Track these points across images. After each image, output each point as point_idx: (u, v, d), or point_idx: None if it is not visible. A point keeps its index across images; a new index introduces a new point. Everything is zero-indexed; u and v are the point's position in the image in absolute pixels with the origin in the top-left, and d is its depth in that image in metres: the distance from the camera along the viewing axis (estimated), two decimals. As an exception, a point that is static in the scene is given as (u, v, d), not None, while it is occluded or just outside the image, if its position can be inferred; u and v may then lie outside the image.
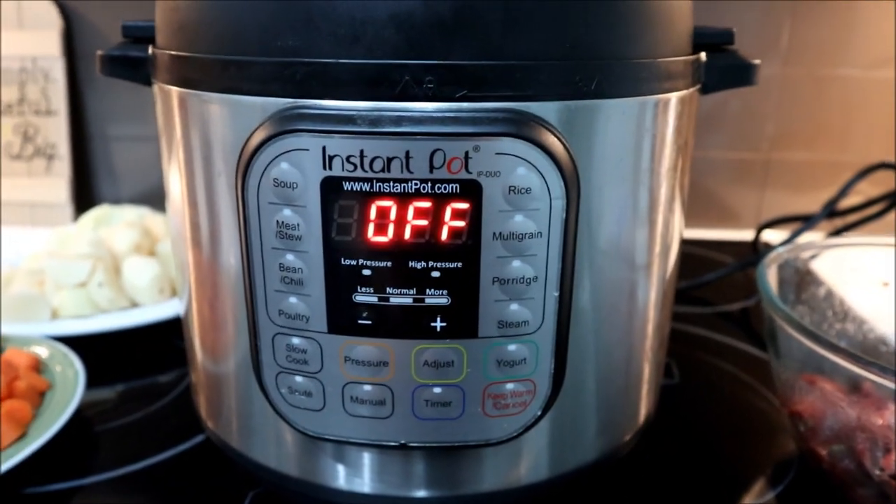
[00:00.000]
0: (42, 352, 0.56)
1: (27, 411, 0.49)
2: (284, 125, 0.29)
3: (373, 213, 0.29)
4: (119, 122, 1.01)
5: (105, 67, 0.41)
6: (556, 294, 0.31)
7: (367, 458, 0.38)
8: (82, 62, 0.98)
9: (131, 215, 0.79)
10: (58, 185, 0.98)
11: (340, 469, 0.38)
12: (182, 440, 0.52)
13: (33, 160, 0.98)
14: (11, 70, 0.96)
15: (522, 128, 0.29)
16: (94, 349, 0.58)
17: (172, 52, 0.35)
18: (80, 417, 0.54)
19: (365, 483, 0.38)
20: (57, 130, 0.97)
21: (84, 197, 1.03)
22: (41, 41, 0.95)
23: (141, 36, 0.41)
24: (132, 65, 0.40)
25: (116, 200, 1.01)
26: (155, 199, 1.01)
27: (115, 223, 0.78)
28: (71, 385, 0.52)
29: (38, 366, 0.55)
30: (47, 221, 0.98)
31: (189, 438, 0.52)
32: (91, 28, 0.96)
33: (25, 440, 0.47)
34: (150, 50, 0.39)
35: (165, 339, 0.65)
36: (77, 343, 0.60)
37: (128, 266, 0.67)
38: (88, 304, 0.64)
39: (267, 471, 0.40)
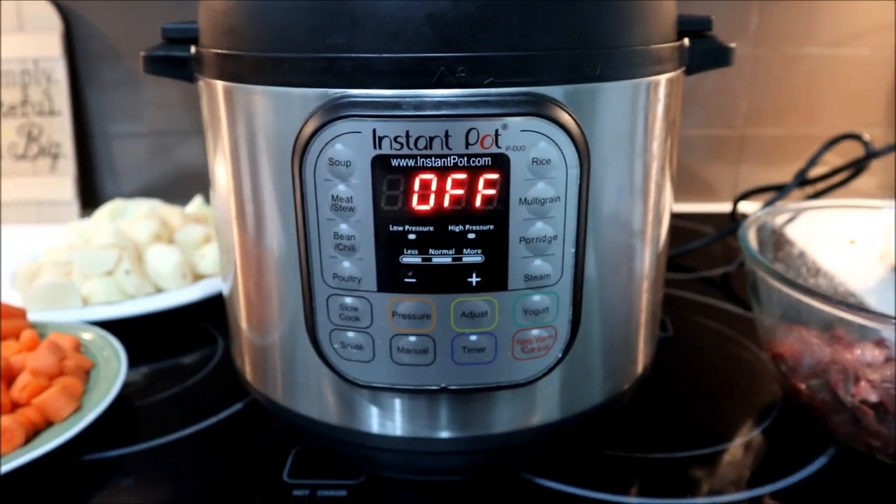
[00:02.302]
0: (82, 335, 0.60)
1: (79, 387, 0.53)
2: (338, 112, 0.33)
3: (417, 185, 0.34)
4: (119, 120, 1.04)
5: (149, 67, 0.45)
6: (573, 250, 0.37)
7: (399, 403, 0.42)
8: (82, 63, 1.01)
9: (145, 207, 0.82)
10: (63, 183, 1.02)
11: (375, 415, 0.43)
12: (221, 409, 0.56)
13: (38, 159, 1.01)
14: (14, 72, 0.99)
15: (542, 108, 0.34)
16: (122, 333, 0.62)
17: (223, 51, 0.39)
18: (119, 395, 0.58)
19: (396, 427, 0.43)
20: (61, 130, 1.00)
21: (87, 194, 1.06)
22: (42, 43, 0.98)
23: (180, 37, 0.45)
24: (176, 63, 0.44)
25: (118, 196, 1.04)
26: (154, 192, 1.05)
27: (130, 216, 0.82)
28: (113, 363, 0.57)
29: (79, 347, 0.59)
30: (53, 219, 1.01)
31: (228, 407, 0.56)
32: (90, 29, 0.99)
33: (81, 412, 0.51)
34: (194, 49, 0.43)
35: (190, 321, 0.70)
36: (106, 328, 0.63)
37: (151, 254, 0.71)
38: (117, 290, 0.68)
39: (310, 421, 0.45)
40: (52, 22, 0.97)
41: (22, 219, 1.02)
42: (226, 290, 0.49)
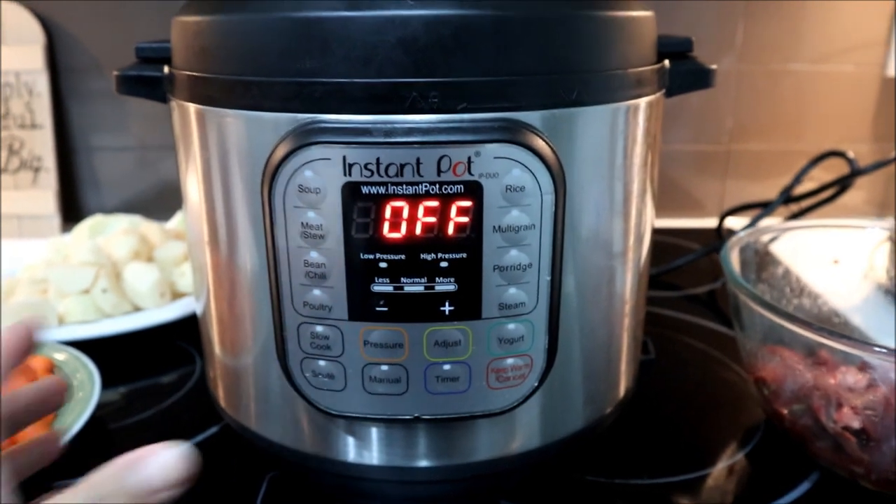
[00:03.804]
0: (55, 356, 0.59)
1: (50, 410, 0.52)
2: (308, 138, 0.33)
3: (388, 213, 0.33)
4: (101, 133, 1.03)
5: (121, 86, 0.44)
6: (549, 278, 0.36)
7: (375, 432, 0.41)
8: (65, 76, 1.00)
9: (125, 223, 0.81)
10: (45, 196, 1.00)
11: (351, 444, 0.42)
12: (196, 432, 0.55)
13: (19, 173, 1.00)
14: (-5, 85, 0.98)
15: (516, 134, 0.33)
16: (98, 353, 0.61)
17: (194, 73, 0.38)
18: (93, 417, 0.56)
19: (373, 456, 0.42)
20: (42, 143, 0.99)
21: (69, 208, 1.05)
22: (24, 56, 0.97)
23: (153, 57, 0.44)
24: (148, 84, 0.43)
25: (101, 210, 1.03)
26: (138, 207, 1.04)
27: (109, 232, 0.80)
28: (86, 385, 0.55)
29: (52, 368, 0.58)
30: (35, 233, 1.00)
31: (203, 430, 0.55)
32: (73, 42, 0.98)
33: (52, 437, 0.50)
34: (167, 70, 0.42)
35: (168, 340, 0.69)
36: (82, 347, 0.62)
37: (129, 272, 0.70)
38: (94, 309, 0.67)
39: (284, 449, 0.44)
40: (34, 34, 0.96)
41: (4, 233, 1.01)
42: (199, 311, 0.48)
